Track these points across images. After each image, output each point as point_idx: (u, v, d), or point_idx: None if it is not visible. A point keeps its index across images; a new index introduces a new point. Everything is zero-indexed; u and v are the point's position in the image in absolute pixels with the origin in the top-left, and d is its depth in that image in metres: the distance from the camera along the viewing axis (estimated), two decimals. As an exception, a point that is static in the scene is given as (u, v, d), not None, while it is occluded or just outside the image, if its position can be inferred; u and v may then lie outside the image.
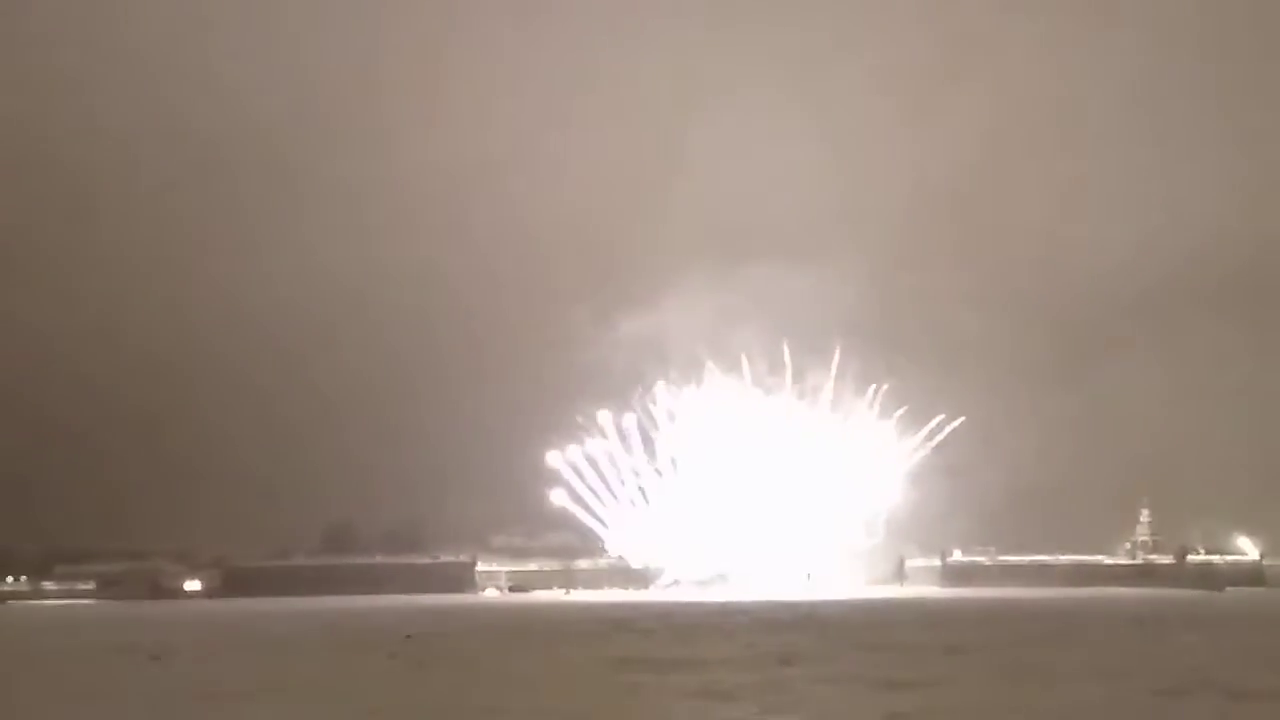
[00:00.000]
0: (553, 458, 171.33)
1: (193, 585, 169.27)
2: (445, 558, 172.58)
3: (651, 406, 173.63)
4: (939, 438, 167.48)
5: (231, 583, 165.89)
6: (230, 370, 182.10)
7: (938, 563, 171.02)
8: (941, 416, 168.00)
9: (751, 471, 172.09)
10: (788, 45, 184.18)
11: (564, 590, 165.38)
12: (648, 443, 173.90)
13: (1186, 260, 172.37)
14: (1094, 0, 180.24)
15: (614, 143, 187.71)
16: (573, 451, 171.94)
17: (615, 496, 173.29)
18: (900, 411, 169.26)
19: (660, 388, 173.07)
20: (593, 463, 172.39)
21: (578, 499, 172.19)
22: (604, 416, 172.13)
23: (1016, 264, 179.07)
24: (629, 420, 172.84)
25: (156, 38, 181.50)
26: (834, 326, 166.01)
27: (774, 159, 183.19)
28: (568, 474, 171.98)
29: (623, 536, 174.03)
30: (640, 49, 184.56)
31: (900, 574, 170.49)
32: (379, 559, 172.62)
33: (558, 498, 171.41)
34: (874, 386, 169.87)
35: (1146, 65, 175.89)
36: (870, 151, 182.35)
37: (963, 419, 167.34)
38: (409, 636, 65.37)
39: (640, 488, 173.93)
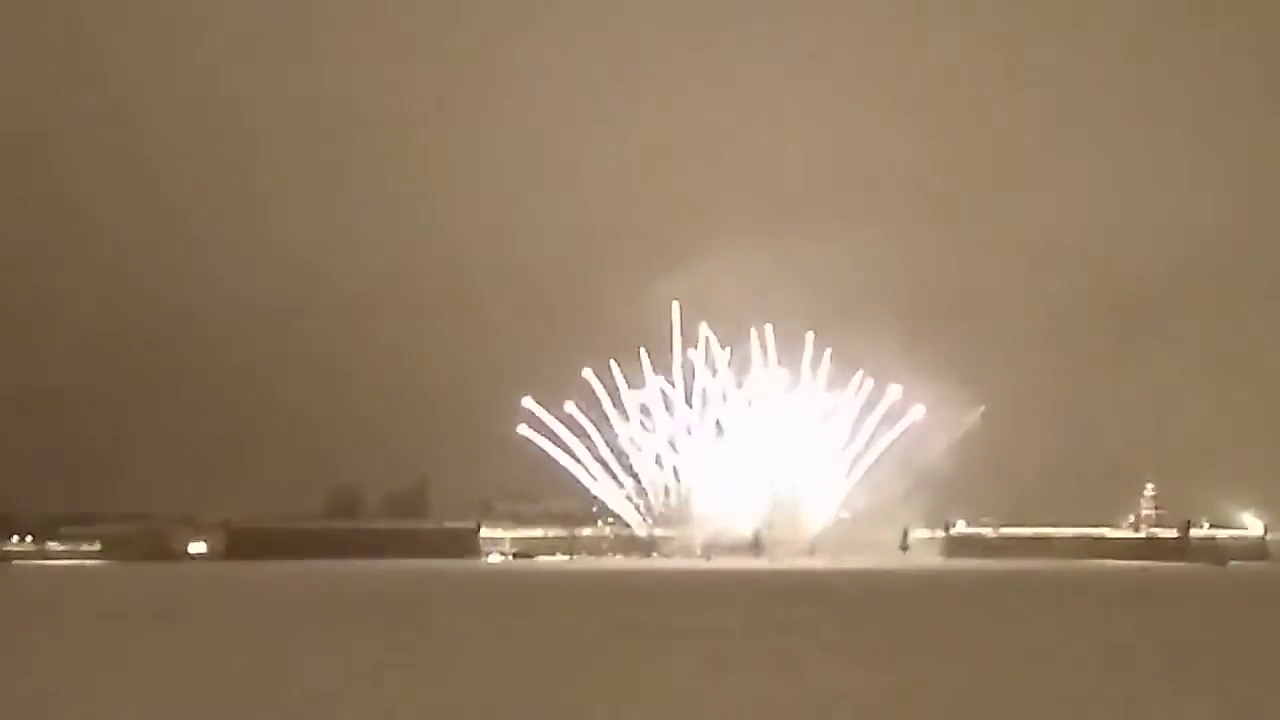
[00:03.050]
0: (559, 419, 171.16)
1: (197, 547, 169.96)
2: (449, 523, 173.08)
3: (672, 373, 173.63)
4: (966, 416, 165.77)
5: (236, 545, 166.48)
6: (234, 333, 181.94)
7: (941, 534, 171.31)
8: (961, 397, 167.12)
9: (768, 441, 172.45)
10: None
11: (568, 556, 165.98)
12: (667, 408, 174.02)
13: (1215, 247, 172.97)
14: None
15: (649, 114, 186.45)
16: (579, 414, 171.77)
17: (626, 462, 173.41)
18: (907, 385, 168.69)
19: (684, 353, 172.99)
20: (603, 426, 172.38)
21: (581, 462, 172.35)
22: (619, 379, 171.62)
23: (1048, 244, 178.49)
24: (649, 384, 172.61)
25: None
26: (869, 294, 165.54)
27: (834, 135, 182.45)
28: (573, 435, 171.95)
29: (632, 502, 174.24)
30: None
31: (904, 544, 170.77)
32: (383, 524, 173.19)
33: (560, 459, 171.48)
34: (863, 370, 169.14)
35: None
36: (918, 123, 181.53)
37: (981, 401, 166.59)
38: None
39: (656, 454, 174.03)
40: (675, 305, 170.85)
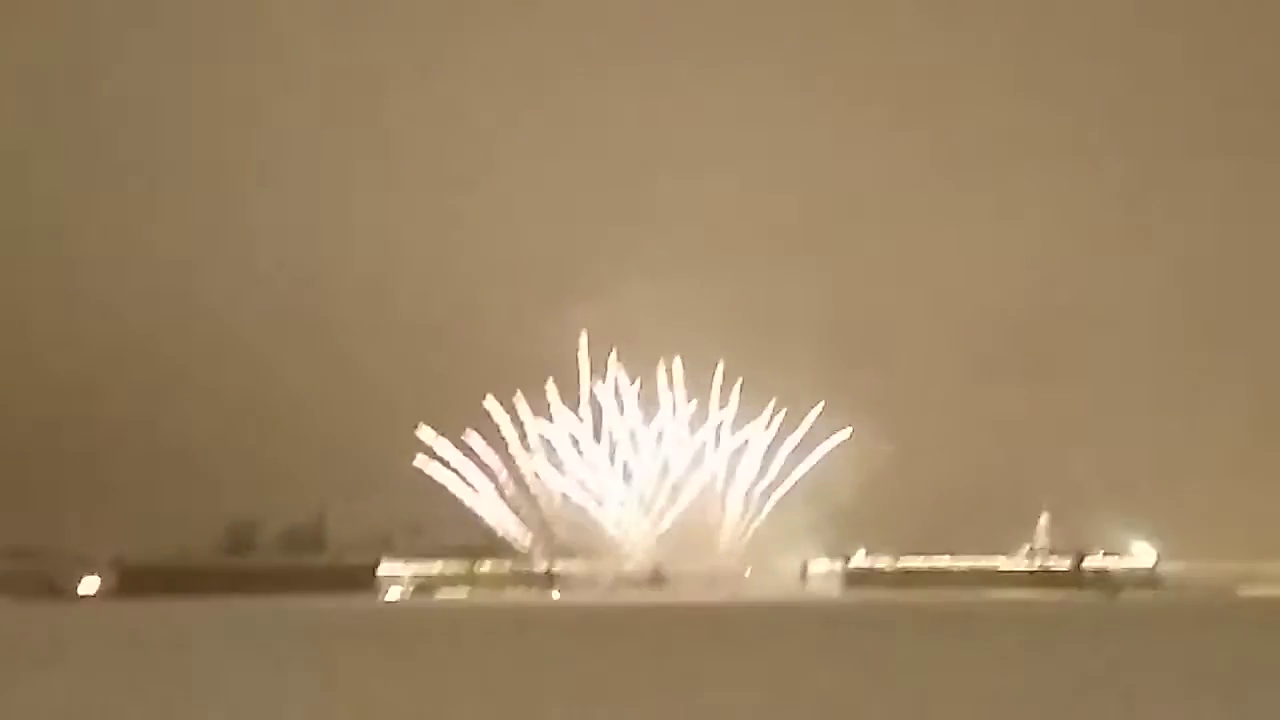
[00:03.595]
0: (460, 450, 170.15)
1: (88, 585, 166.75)
2: (347, 559, 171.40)
3: (578, 405, 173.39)
4: (874, 450, 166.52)
5: (129, 583, 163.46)
6: (126, 365, 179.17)
7: (839, 566, 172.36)
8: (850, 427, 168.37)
9: (672, 474, 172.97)
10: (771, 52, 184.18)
11: (468, 592, 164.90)
12: (572, 440, 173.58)
13: (1118, 283, 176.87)
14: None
15: (581, 143, 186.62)
16: (481, 447, 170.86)
17: (528, 492, 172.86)
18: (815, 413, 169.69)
19: (591, 386, 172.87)
20: (505, 459, 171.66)
21: (483, 495, 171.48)
22: (522, 409, 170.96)
23: (963, 277, 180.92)
24: (553, 417, 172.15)
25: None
26: (781, 326, 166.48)
27: (744, 162, 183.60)
28: (474, 467, 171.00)
29: (533, 534, 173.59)
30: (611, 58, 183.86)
31: (803, 576, 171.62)
32: (280, 560, 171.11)
33: (462, 492, 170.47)
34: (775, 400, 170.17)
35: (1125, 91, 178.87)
36: (839, 162, 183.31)
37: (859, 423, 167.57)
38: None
39: (559, 487, 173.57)
40: (583, 337, 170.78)
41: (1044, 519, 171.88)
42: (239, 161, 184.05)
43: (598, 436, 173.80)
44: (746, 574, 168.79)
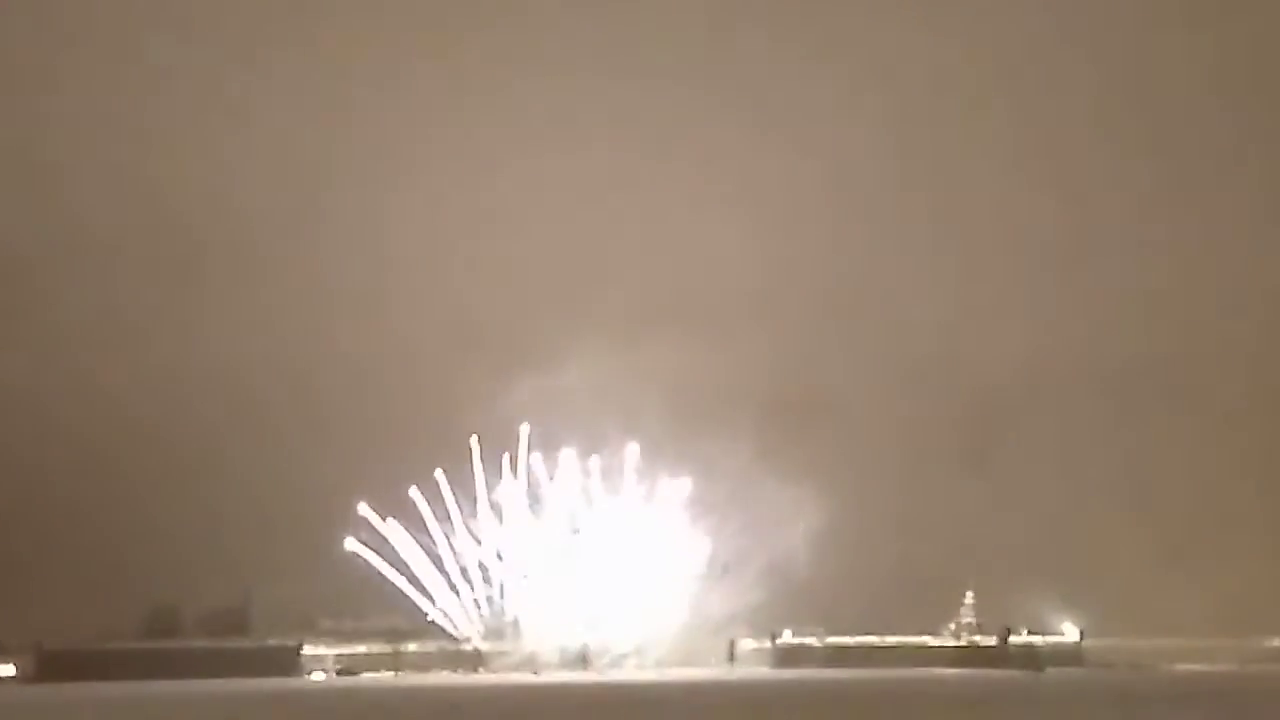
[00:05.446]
0: (386, 532, 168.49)
1: (5, 670, 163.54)
2: (271, 641, 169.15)
3: (507, 480, 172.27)
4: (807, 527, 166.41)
5: (46, 668, 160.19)
6: (43, 448, 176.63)
7: (768, 644, 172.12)
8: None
9: (599, 551, 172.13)
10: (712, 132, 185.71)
11: (393, 674, 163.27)
12: (499, 518, 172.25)
13: (1055, 361, 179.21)
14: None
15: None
16: (406, 528, 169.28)
17: (455, 575, 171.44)
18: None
19: (519, 461, 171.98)
20: (432, 538, 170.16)
21: (409, 575, 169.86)
22: (448, 487, 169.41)
23: (900, 355, 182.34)
24: (482, 494, 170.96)
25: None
26: (719, 399, 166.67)
27: (690, 239, 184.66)
28: (400, 548, 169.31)
29: (458, 616, 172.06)
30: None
31: (731, 655, 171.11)
32: (202, 643, 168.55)
33: (387, 573, 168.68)
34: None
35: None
36: (772, 230, 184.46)
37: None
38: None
39: (484, 566, 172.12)
40: (515, 412, 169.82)
41: (969, 596, 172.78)
42: (176, 258, 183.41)
43: (526, 513, 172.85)
44: (673, 653, 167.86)
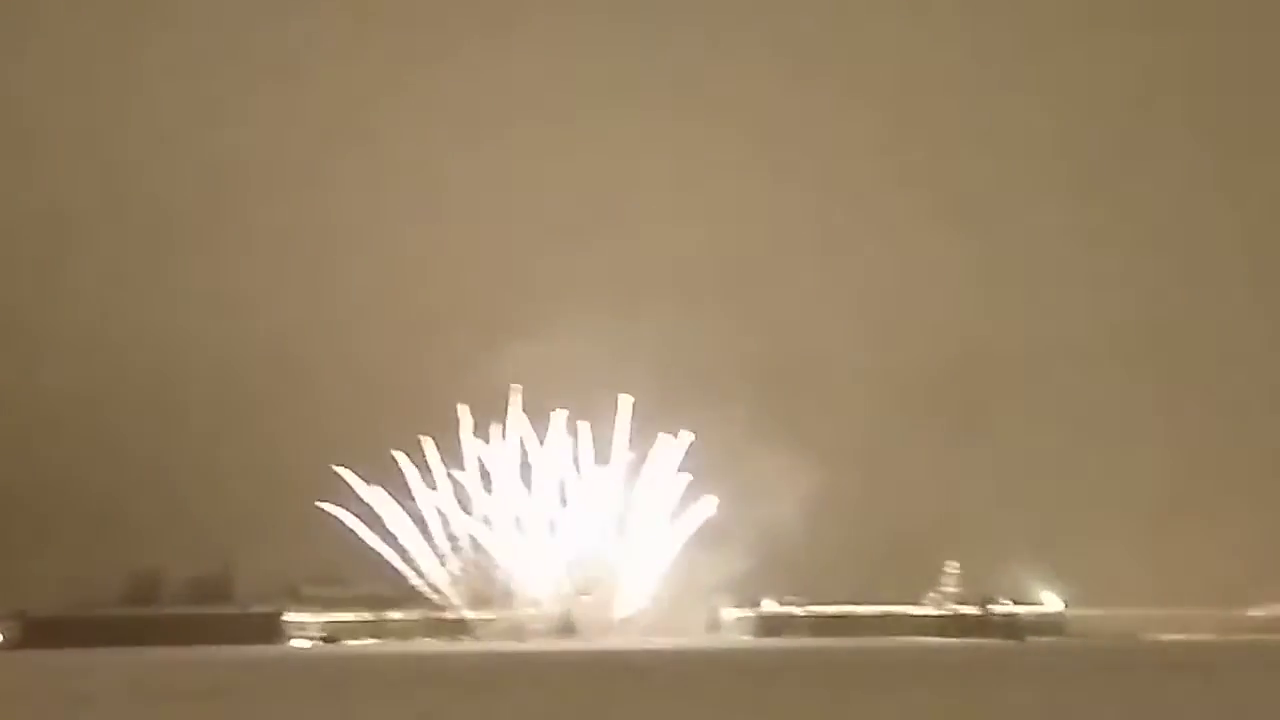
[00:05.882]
0: (369, 498, 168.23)
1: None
2: (254, 608, 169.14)
3: (494, 447, 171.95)
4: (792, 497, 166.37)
5: (32, 634, 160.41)
6: (26, 414, 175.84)
7: (750, 612, 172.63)
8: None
9: (583, 519, 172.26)
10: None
11: (376, 641, 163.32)
12: (485, 486, 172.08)
13: (1038, 336, 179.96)
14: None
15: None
16: (391, 494, 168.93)
17: (438, 543, 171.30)
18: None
19: (509, 428, 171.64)
20: (416, 504, 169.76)
21: (393, 543, 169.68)
22: (432, 454, 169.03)
23: (886, 328, 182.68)
24: (466, 463, 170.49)
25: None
26: (705, 371, 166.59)
27: (681, 205, 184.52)
28: (383, 515, 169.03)
29: (443, 583, 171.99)
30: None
31: (714, 624, 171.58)
32: (185, 609, 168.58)
33: (371, 540, 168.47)
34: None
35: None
36: (773, 206, 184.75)
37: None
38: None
39: (469, 534, 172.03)
40: (503, 380, 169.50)
41: (952, 565, 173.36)
42: (161, 225, 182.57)
43: (511, 481, 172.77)
44: (658, 621, 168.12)
